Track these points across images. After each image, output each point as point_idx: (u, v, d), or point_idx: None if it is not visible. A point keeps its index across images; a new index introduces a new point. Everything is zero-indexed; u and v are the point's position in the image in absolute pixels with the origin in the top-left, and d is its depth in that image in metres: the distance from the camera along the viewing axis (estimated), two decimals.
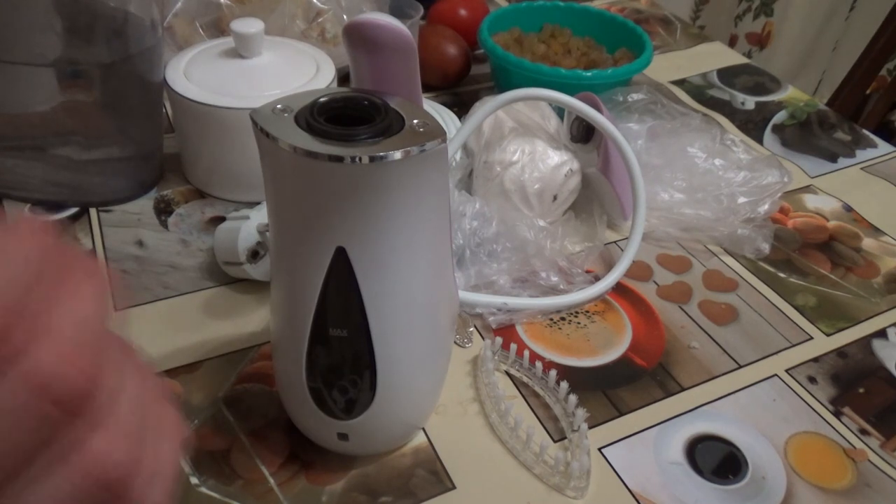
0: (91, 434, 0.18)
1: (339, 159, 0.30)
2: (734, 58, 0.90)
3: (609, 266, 0.57)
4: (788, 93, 0.83)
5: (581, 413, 0.43)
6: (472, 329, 0.51)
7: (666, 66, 0.86)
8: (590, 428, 0.45)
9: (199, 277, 0.54)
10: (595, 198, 0.61)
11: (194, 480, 0.41)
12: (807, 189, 0.69)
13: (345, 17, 0.76)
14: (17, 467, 0.17)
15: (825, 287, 0.58)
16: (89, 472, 0.18)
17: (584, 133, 0.59)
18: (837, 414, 0.48)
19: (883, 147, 0.75)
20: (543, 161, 0.56)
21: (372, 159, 0.30)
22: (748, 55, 1.75)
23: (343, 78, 0.64)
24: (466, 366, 0.48)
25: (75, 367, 0.17)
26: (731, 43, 1.79)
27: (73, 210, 0.58)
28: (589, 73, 0.66)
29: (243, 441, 0.43)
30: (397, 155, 0.30)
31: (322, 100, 0.32)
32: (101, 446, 0.18)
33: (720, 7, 1.79)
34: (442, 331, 0.39)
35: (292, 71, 0.59)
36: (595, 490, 0.42)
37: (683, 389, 0.48)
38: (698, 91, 0.83)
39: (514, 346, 0.48)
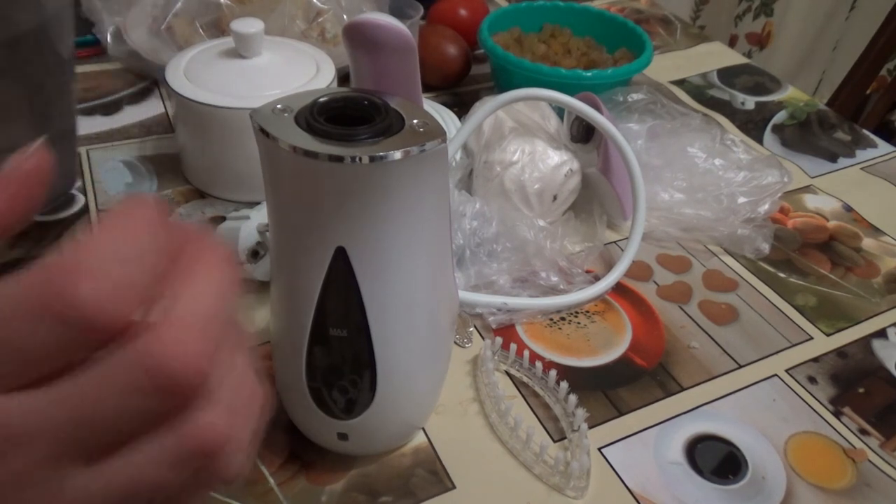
0: (199, 408, 0.19)
1: (339, 159, 0.30)
2: (734, 58, 0.90)
3: (609, 266, 0.57)
4: (788, 93, 0.83)
5: (581, 413, 0.43)
6: (472, 329, 0.51)
7: (666, 66, 0.86)
8: (590, 428, 0.45)
9: None
10: (595, 198, 0.61)
11: None
12: (807, 189, 0.69)
13: (345, 17, 0.76)
14: (122, 436, 0.19)
15: (825, 287, 0.58)
16: (194, 441, 0.19)
17: (584, 133, 0.59)
18: (837, 414, 0.48)
19: (883, 147, 0.75)
20: (543, 161, 0.56)
21: (372, 159, 0.30)
22: (748, 55, 1.75)
23: (343, 78, 0.64)
24: (466, 366, 0.48)
25: (188, 353, 0.18)
26: (731, 43, 1.79)
27: (75, 209, 0.58)
28: (589, 73, 0.66)
29: None
30: (397, 155, 0.30)
31: (322, 100, 0.32)
32: (207, 419, 0.19)
33: (720, 7, 1.79)
34: (442, 331, 0.39)
35: (292, 71, 0.59)
36: (595, 490, 0.42)
37: (683, 389, 0.48)
38: (698, 91, 0.83)
39: (513, 346, 0.48)
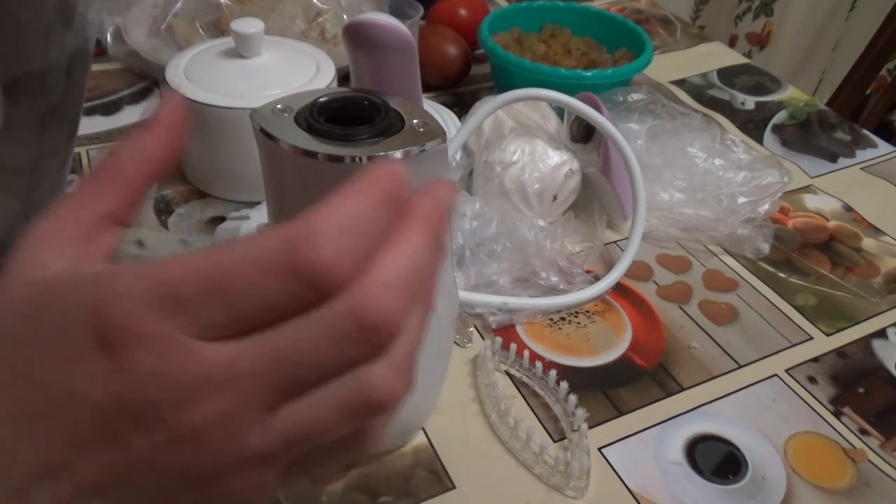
0: (375, 362, 0.22)
1: (339, 159, 0.30)
2: (734, 58, 0.90)
3: (609, 266, 0.57)
4: (788, 93, 0.83)
5: (581, 413, 0.43)
6: (472, 329, 0.51)
7: (666, 66, 0.86)
8: (590, 428, 0.45)
9: None
10: (595, 198, 0.61)
11: None
12: (807, 189, 0.69)
13: (345, 17, 0.76)
14: (317, 380, 0.21)
15: (825, 287, 0.58)
16: (370, 390, 0.22)
17: (584, 133, 0.59)
18: (837, 414, 0.48)
19: (883, 147, 0.75)
20: (543, 161, 0.56)
21: (372, 159, 0.30)
22: (748, 55, 1.75)
23: (343, 78, 0.64)
24: (466, 366, 0.48)
25: (387, 300, 0.21)
26: (731, 43, 1.79)
27: None
28: (589, 73, 0.66)
29: None
30: (397, 155, 0.30)
31: (322, 100, 0.32)
32: (380, 373, 0.22)
33: (720, 7, 1.79)
34: (442, 331, 0.39)
35: (292, 71, 0.59)
36: (595, 490, 0.42)
37: (683, 389, 0.48)
38: (698, 91, 0.83)
39: (514, 346, 0.48)
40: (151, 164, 0.24)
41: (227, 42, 0.59)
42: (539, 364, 0.47)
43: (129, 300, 0.20)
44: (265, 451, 0.21)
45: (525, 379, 0.48)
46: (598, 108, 0.55)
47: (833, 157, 0.73)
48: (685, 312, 0.54)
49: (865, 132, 0.77)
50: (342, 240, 0.20)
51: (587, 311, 0.53)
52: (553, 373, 0.46)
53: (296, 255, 0.20)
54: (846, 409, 0.48)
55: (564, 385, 0.45)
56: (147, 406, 0.20)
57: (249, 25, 0.57)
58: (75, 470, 0.21)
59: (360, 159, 0.30)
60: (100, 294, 0.21)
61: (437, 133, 0.31)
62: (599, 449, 0.44)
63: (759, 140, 0.75)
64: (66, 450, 0.21)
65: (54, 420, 0.21)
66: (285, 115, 0.31)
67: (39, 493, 0.21)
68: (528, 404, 0.47)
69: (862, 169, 0.72)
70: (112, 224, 0.24)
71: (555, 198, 0.57)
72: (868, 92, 1.41)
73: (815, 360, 0.51)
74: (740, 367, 0.50)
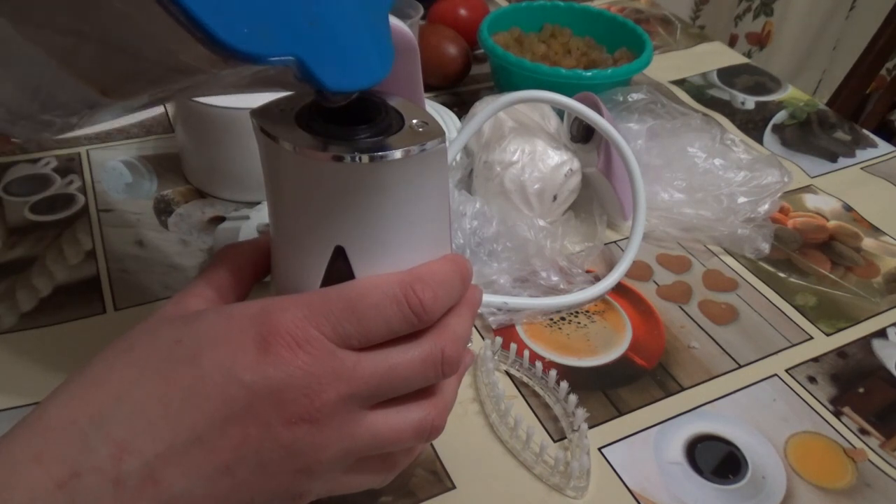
0: (444, 384, 0.33)
1: (340, 159, 0.30)
2: (734, 58, 0.90)
3: (609, 266, 0.57)
4: (788, 93, 0.83)
5: (581, 413, 0.43)
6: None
7: (666, 66, 0.86)
8: (590, 428, 0.45)
9: None
10: (595, 198, 0.61)
11: None
12: (807, 189, 0.69)
13: None
14: (397, 395, 0.30)
15: (825, 287, 0.58)
16: (437, 414, 0.31)
17: (584, 133, 0.59)
18: (837, 414, 0.48)
19: (883, 147, 0.75)
20: (543, 161, 0.56)
21: (372, 159, 0.30)
22: (748, 55, 1.75)
23: None
24: None
25: (459, 349, 0.31)
26: (731, 43, 1.79)
27: (74, 209, 0.58)
28: (589, 73, 0.66)
29: None
30: (397, 154, 0.30)
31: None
32: (446, 397, 0.33)
33: (720, 7, 1.79)
34: None
35: None
36: (595, 490, 0.42)
37: (683, 389, 0.48)
38: (698, 91, 0.83)
39: (514, 346, 0.48)
40: (256, 263, 0.34)
41: None
42: (539, 364, 0.47)
43: (290, 313, 0.28)
44: (356, 441, 0.29)
45: (525, 379, 0.48)
46: (598, 109, 0.55)
47: (833, 157, 0.73)
48: (685, 312, 0.54)
49: (865, 132, 0.77)
50: (437, 289, 0.30)
51: (587, 311, 0.53)
52: (553, 373, 0.46)
53: (410, 289, 0.29)
54: (846, 409, 0.48)
55: (564, 385, 0.45)
56: (291, 389, 0.27)
57: None
58: (211, 447, 0.27)
59: (361, 159, 0.30)
60: (267, 307, 0.28)
61: (437, 133, 0.31)
62: (599, 449, 0.44)
63: (759, 140, 0.75)
64: (207, 426, 0.26)
65: (207, 399, 0.27)
66: (285, 114, 0.32)
67: (169, 469, 0.26)
68: (528, 404, 0.47)
69: (862, 169, 0.72)
70: (230, 296, 0.33)
71: (555, 198, 0.57)
72: (868, 92, 1.41)
73: (815, 359, 0.51)
74: (740, 367, 0.50)
